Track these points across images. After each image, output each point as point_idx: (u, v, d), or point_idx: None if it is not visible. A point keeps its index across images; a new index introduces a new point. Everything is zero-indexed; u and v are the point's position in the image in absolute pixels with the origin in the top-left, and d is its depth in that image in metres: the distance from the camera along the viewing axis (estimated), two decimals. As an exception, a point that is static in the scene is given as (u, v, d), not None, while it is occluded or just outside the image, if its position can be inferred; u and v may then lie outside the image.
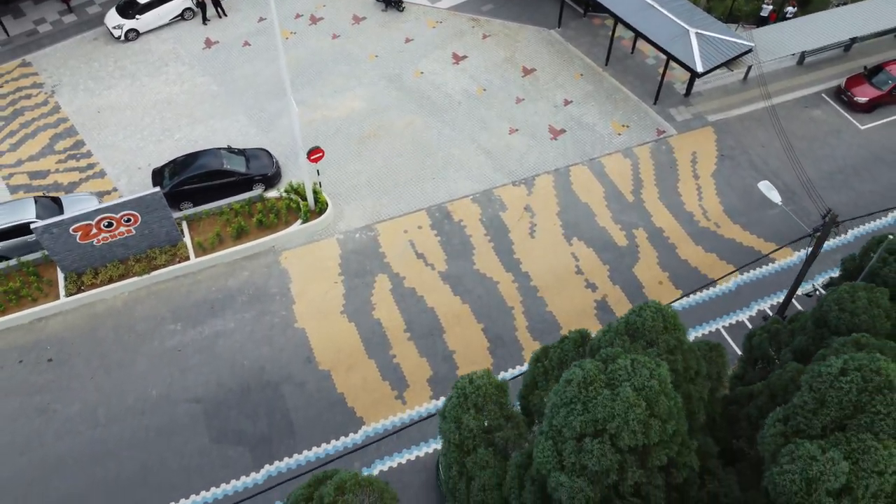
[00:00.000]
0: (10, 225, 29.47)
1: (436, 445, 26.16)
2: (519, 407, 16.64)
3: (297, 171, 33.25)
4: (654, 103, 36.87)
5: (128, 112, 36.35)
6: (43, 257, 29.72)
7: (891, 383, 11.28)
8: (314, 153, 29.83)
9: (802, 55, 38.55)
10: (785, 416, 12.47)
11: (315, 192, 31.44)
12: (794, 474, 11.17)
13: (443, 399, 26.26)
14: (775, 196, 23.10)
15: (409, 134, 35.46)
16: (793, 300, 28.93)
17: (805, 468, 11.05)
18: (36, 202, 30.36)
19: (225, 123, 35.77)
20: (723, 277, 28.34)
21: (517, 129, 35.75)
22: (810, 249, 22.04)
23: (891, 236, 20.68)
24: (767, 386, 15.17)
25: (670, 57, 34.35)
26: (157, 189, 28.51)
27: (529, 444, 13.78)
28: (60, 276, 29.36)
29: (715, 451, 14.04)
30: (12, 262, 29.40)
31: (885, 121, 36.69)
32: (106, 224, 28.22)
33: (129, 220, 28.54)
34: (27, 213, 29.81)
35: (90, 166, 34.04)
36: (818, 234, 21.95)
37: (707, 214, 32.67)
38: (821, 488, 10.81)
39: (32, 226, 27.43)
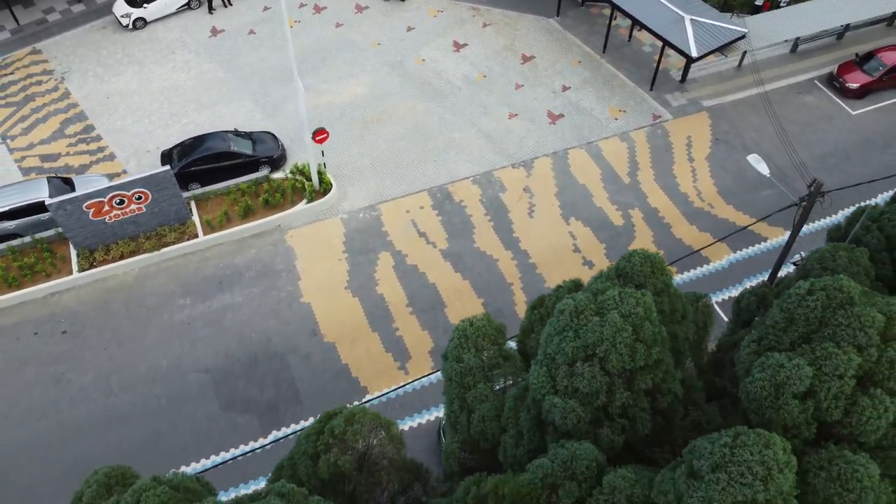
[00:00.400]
0: (24, 203, 30.66)
1: (437, 413, 27.33)
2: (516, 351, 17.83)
3: (302, 154, 34.48)
4: (651, 89, 38.11)
5: (136, 98, 37.59)
6: (56, 234, 30.91)
7: (852, 299, 12.49)
8: (319, 134, 31.08)
9: (796, 43, 39.81)
10: (758, 336, 13.69)
11: (319, 173, 32.65)
12: (764, 381, 12.38)
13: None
14: (763, 168, 24.30)
15: (411, 118, 36.70)
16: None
17: (774, 375, 12.26)
18: (49, 182, 31.58)
19: (231, 109, 37.01)
20: (703, 248, 29.63)
21: (517, 114, 36.98)
22: (797, 218, 23.23)
23: (872, 203, 21.83)
24: (750, 332, 16.36)
25: (666, 43, 35.62)
26: (168, 168, 29.72)
27: (525, 381, 14.98)
28: (73, 252, 30.57)
29: (700, 385, 15.24)
30: (27, 238, 30.56)
31: (876, 106, 37.92)
32: (118, 201, 29.42)
33: (140, 198, 29.73)
34: (40, 192, 31.02)
35: (100, 149, 35.27)
36: (804, 203, 23.13)
37: (701, 195, 33.87)
38: (787, 392, 12.02)
39: (47, 202, 28.62)
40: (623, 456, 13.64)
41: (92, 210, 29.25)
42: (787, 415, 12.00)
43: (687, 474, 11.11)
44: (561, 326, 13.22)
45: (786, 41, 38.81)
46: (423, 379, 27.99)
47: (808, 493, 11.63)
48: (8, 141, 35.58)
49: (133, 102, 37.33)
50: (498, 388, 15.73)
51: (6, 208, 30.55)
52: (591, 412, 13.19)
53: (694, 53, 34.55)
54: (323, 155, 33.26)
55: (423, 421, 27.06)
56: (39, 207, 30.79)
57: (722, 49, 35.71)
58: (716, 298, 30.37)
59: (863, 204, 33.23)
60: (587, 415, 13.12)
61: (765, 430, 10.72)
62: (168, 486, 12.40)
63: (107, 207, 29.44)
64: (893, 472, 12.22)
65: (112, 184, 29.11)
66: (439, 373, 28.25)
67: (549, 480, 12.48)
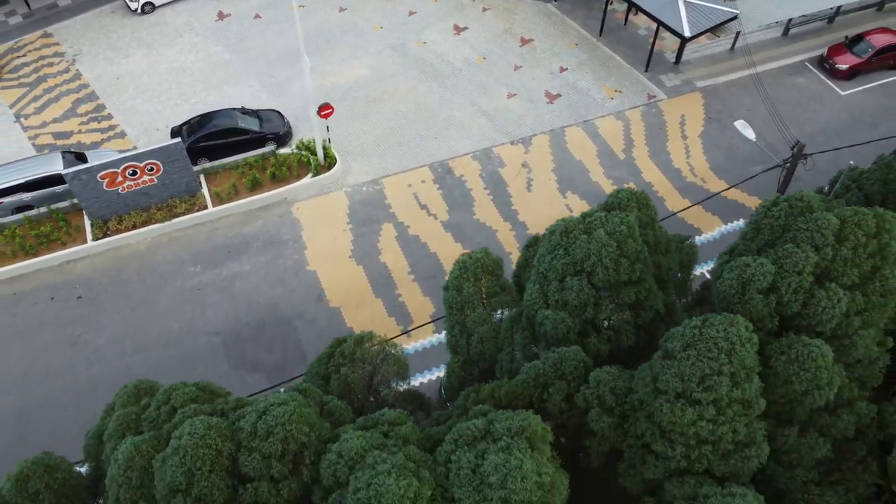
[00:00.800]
0: (40, 176, 32.14)
1: (438, 373, 28.76)
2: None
3: (307, 132, 36.01)
4: (646, 70, 39.65)
5: (145, 79, 39.14)
6: (71, 205, 32.40)
7: (811, 206, 13.97)
8: (324, 109, 32.58)
9: (787, 27, 41.33)
10: (730, 249, 15.15)
11: (324, 148, 34.13)
12: (732, 280, 13.83)
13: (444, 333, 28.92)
14: (750, 133, 25.80)
15: (413, 98, 38.23)
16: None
17: (741, 273, 13.70)
18: (63, 156, 33.03)
19: (238, 89, 38.57)
20: (681, 211, 31.18)
21: (515, 94, 38.50)
22: (782, 179, 24.70)
23: (851, 162, 23.29)
24: (729, 268, 17.82)
25: (660, 24, 37.17)
26: (179, 140, 31.21)
27: (520, 306, 16.44)
28: (87, 222, 32.04)
29: (683, 314, 16.68)
30: (43, 209, 32.01)
31: (864, 87, 39.45)
32: (131, 172, 30.91)
33: (152, 170, 31.22)
34: (55, 165, 32.49)
35: (111, 127, 36.80)
36: (788, 165, 24.61)
37: (694, 171, 35.35)
38: (752, 288, 13.45)
39: (64, 171, 30.10)
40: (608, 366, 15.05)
41: (106, 180, 30.73)
42: (752, 309, 13.44)
43: (662, 357, 12.57)
44: (552, 245, 14.71)
45: (777, 24, 40.31)
46: (424, 341, 29.42)
47: (770, 376, 13.07)
48: (21, 119, 37.11)
49: (142, 83, 38.88)
50: (496, 317, 17.17)
51: (23, 180, 32.02)
52: (580, 324, 14.66)
53: (687, 33, 36.09)
54: (328, 130, 34.76)
55: (425, 380, 28.48)
56: (55, 180, 32.28)
57: (714, 29, 37.24)
58: (707, 268, 31.78)
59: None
60: (576, 326, 14.59)
61: (730, 314, 12.19)
62: (195, 386, 13.83)
63: (120, 178, 30.91)
64: (846, 358, 13.63)
65: (125, 155, 30.60)
66: (439, 336, 29.82)
67: (540, 380, 13.92)
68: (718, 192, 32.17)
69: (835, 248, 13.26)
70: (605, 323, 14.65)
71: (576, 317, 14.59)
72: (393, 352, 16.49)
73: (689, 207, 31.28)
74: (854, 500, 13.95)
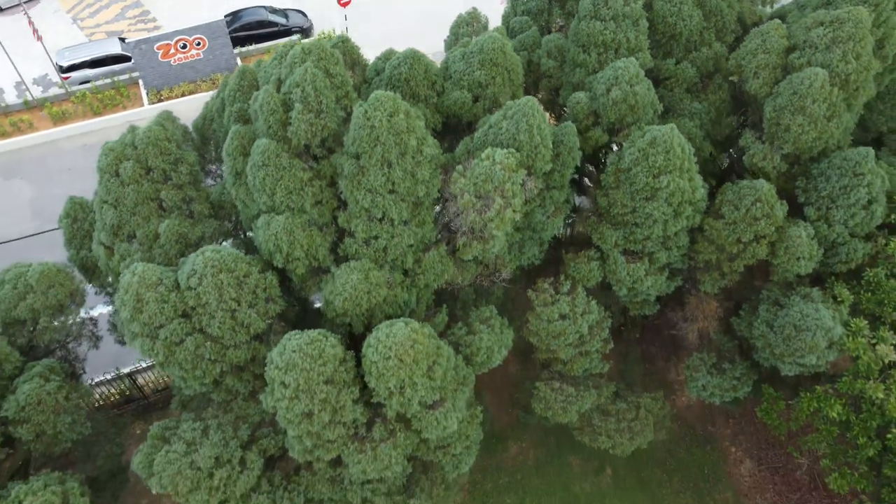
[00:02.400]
0: (101, 55, 40.16)
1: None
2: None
3: (326, 27, 44.05)
4: (621, -17, 47.72)
5: (184, -9, 47.41)
6: (129, 78, 40.33)
7: None
8: (343, -2, 40.66)
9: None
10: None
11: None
12: None
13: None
14: None
15: (417, 6, 46.39)
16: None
17: None
18: (120, 41, 41.08)
19: (265, -1, 46.78)
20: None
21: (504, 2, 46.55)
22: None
23: None
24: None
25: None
26: (222, 18, 39.23)
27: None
28: (143, 91, 39.94)
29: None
30: (107, 80, 39.96)
31: None
32: (182, 45, 38.90)
33: (199, 44, 39.22)
34: (114, 47, 40.51)
35: (156, 28, 44.94)
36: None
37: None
38: None
39: (127, 40, 38.09)
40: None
41: (161, 51, 38.72)
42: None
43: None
44: (518, -24, 22.73)
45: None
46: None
47: (655, 19, 20.65)
48: (78, 21, 45.26)
49: (181, -5, 47.16)
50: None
51: (89, 58, 40.03)
52: (539, 28, 22.44)
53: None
54: (346, 19, 42.81)
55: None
56: (113, 59, 40.30)
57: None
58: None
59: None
60: (535, 27, 22.37)
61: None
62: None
63: (173, 50, 38.90)
64: (703, 8, 21.15)
65: (177, 29, 38.62)
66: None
67: (509, 52, 21.64)
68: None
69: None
70: (556, 24, 22.46)
71: (535, 21, 22.37)
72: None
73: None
74: (713, 109, 21.39)
